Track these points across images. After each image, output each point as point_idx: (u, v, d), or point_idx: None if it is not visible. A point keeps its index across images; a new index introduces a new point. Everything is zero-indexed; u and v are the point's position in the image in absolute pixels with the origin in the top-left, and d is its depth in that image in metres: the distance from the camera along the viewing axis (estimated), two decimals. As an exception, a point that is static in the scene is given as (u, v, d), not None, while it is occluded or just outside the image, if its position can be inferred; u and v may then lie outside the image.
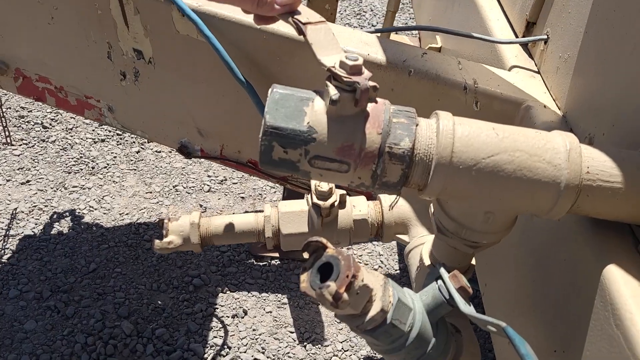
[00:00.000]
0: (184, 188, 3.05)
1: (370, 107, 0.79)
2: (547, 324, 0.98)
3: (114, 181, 3.08)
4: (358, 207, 1.14)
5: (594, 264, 0.85)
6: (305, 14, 0.89)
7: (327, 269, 0.74)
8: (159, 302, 2.46)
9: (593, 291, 0.84)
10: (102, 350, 2.24)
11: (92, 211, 2.89)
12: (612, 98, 0.97)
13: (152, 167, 3.17)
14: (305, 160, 0.79)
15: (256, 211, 1.19)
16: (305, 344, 2.35)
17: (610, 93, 0.98)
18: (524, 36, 1.40)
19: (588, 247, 0.88)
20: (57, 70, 1.64)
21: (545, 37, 1.26)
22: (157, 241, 1.13)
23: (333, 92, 0.76)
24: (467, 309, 0.76)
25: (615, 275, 0.81)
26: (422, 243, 1.07)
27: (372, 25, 4.39)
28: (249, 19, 1.33)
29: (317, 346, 2.33)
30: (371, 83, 0.78)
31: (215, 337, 2.35)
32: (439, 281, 0.81)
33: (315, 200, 1.08)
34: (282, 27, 1.30)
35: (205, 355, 2.28)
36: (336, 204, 1.09)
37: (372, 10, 5.13)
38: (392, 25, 1.97)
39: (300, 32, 0.84)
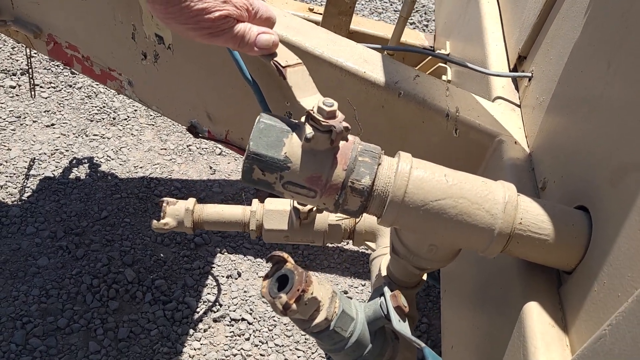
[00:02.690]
0: (197, 149, 3.20)
1: (341, 144, 0.92)
2: (481, 339, 1.13)
3: (132, 134, 3.25)
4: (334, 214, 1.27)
5: (519, 297, 0.99)
6: (283, 55, 1.00)
7: (285, 279, 0.89)
8: (161, 255, 2.66)
9: (515, 321, 0.98)
10: (105, 292, 2.45)
11: (109, 161, 3.06)
12: (566, 151, 1.08)
13: (170, 124, 3.32)
14: (279, 183, 0.92)
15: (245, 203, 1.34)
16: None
17: (566, 146, 1.09)
18: (515, 66, 1.49)
19: (518, 282, 1.02)
20: (85, 42, 1.77)
21: (530, 75, 1.36)
22: (154, 221, 1.28)
23: (308, 130, 0.89)
24: (399, 325, 0.91)
25: (532, 312, 0.95)
26: (385, 253, 1.21)
27: (396, 11, 4.40)
28: (261, 23, 1.44)
29: (301, 314, 2.52)
30: (344, 124, 0.91)
31: (209, 293, 2.55)
32: (381, 298, 0.96)
33: (296, 204, 1.22)
34: (290, 35, 1.41)
35: (198, 309, 2.48)
36: (314, 209, 1.23)
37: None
38: (403, 30, 2.05)
39: (280, 74, 0.96)
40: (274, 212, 1.27)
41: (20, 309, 2.36)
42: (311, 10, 2.55)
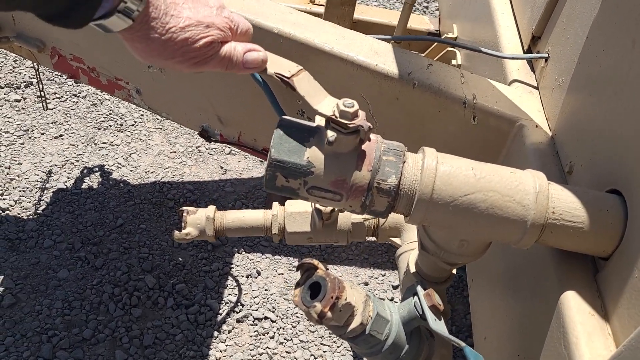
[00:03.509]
0: (206, 149, 3.19)
1: (364, 145, 0.90)
2: (516, 330, 1.11)
3: (140, 139, 3.24)
4: (357, 210, 1.26)
5: (555, 287, 0.97)
6: (281, 65, 0.97)
7: (317, 286, 0.87)
8: (180, 259, 2.66)
9: (552, 311, 0.96)
10: (127, 300, 2.45)
11: (120, 168, 3.06)
12: (592, 133, 1.06)
13: (177, 126, 3.30)
14: (304, 189, 0.91)
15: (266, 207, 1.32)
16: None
17: (592, 128, 1.06)
18: (529, 47, 1.46)
19: (553, 271, 1.00)
20: (90, 53, 1.76)
21: (546, 55, 1.33)
22: (176, 232, 1.27)
23: (330, 134, 0.87)
24: (436, 325, 0.89)
25: (570, 302, 0.93)
26: (412, 249, 1.19)
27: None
28: (267, 22, 1.42)
29: (323, 308, 2.51)
30: (368, 123, 0.89)
31: (230, 294, 2.55)
32: (415, 297, 0.94)
33: (317, 205, 1.21)
34: (298, 32, 1.38)
35: (220, 311, 2.48)
36: (336, 209, 1.22)
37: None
38: (409, 16, 2.01)
39: (288, 85, 0.93)
40: (295, 214, 1.26)
41: (45, 322, 2.36)
42: (312, 1, 2.51)
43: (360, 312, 0.88)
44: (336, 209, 1.23)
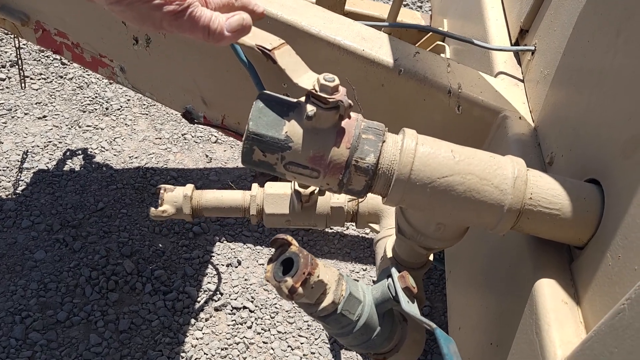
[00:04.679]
0: (192, 137, 3.16)
1: (344, 122, 0.89)
2: (491, 319, 1.10)
3: (125, 124, 3.20)
4: (336, 196, 1.25)
5: (530, 274, 0.97)
6: (263, 38, 0.95)
7: (289, 263, 0.86)
8: (160, 245, 2.63)
9: (526, 299, 0.96)
10: (104, 284, 2.42)
11: (103, 152, 3.02)
12: (573, 124, 1.06)
13: (163, 113, 3.27)
14: (281, 164, 0.89)
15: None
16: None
17: (572, 119, 1.06)
18: (517, 41, 1.45)
19: (528, 259, 0.99)
20: (74, 28, 1.73)
21: (533, 48, 1.32)
22: (152, 209, 1.25)
23: (310, 108, 0.86)
24: (408, 307, 0.88)
25: (544, 289, 0.92)
26: (390, 234, 1.19)
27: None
28: (259, 3, 1.40)
29: (303, 300, 2.50)
30: (348, 100, 0.88)
31: (209, 282, 2.52)
32: (389, 279, 0.93)
33: (297, 187, 1.19)
34: (285, 14, 1.37)
35: (199, 299, 2.45)
36: (316, 191, 1.21)
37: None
38: (399, 9, 2.00)
39: (269, 58, 0.92)
40: (274, 195, 1.24)
41: (19, 303, 2.33)
42: (304, -8, 2.49)
43: (333, 290, 0.87)
44: (316, 192, 1.22)
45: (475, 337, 1.15)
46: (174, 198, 1.24)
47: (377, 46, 1.34)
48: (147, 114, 3.27)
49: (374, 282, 2.65)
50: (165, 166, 3.00)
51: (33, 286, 2.38)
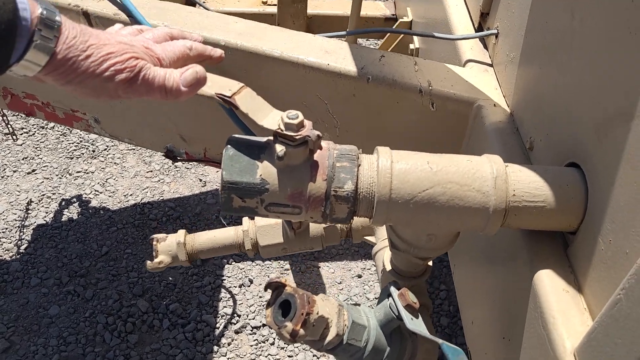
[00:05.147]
0: (183, 164, 3.16)
1: (316, 155, 0.89)
2: (498, 313, 1.11)
3: (115, 163, 3.20)
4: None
5: (528, 267, 0.97)
6: (222, 85, 0.94)
7: (287, 304, 0.86)
8: (170, 278, 2.64)
9: (527, 291, 0.96)
10: (122, 328, 2.43)
11: (98, 195, 3.02)
12: (546, 107, 1.05)
13: (150, 145, 3.27)
14: (262, 207, 0.89)
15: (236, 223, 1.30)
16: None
17: (545, 102, 1.05)
18: (480, 24, 1.44)
19: (524, 251, 0.99)
20: (41, 88, 1.72)
21: (496, 31, 1.31)
22: (149, 262, 1.25)
23: (279, 149, 0.85)
24: (412, 325, 0.89)
25: (544, 281, 0.92)
26: (386, 246, 1.18)
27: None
28: (213, 35, 1.39)
29: (319, 307, 2.51)
30: (316, 131, 0.87)
31: (225, 306, 2.53)
32: (390, 299, 0.93)
33: (286, 215, 1.19)
34: (244, 42, 1.36)
35: (217, 325, 2.46)
36: (305, 216, 1.20)
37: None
38: (360, 5, 1.98)
39: (231, 104, 0.91)
40: (266, 227, 1.24)
41: (43, 362, 2.34)
42: (265, 2, 2.48)
43: (335, 323, 0.87)
44: (305, 217, 1.22)
45: (487, 331, 1.16)
46: (168, 247, 1.24)
47: (342, 57, 1.33)
48: (134, 150, 3.27)
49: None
50: (161, 198, 3.01)
51: (53, 342, 2.39)
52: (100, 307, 2.52)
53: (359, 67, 1.31)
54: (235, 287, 2.61)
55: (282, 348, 2.40)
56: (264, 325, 2.46)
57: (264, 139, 0.92)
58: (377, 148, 0.93)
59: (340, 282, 2.64)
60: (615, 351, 0.71)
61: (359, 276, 2.66)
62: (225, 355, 2.37)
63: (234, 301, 2.55)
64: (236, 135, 0.93)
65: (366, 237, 1.29)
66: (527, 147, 1.12)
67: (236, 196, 0.88)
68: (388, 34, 2.04)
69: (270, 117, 0.89)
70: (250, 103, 0.91)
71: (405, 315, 0.90)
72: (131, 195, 3.02)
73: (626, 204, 0.78)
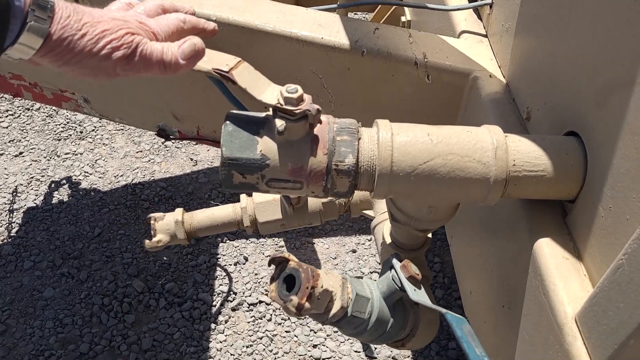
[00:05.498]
0: (173, 143, 3.13)
1: (316, 129, 0.88)
2: (497, 282, 1.12)
3: (103, 143, 3.17)
4: (326, 188, 1.24)
5: (527, 235, 0.98)
6: (219, 60, 0.93)
7: (291, 279, 0.86)
8: (165, 258, 2.64)
9: (527, 260, 0.97)
10: (118, 309, 2.44)
11: (88, 176, 2.99)
12: (543, 76, 1.05)
13: (139, 124, 3.23)
14: (262, 182, 0.89)
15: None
16: (304, 281, 2.54)
17: (542, 71, 1.05)
18: (473, -6, 1.43)
19: (524, 220, 1.00)
20: (28, 68, 1.69)
21: (490, 1, 1.30)
22: (147, 241, 1.25)
23: (279, 123, 0.85)
24: (416, 296, 0.89)
25: (544, 249, 0.93)
26: (385, 219, 1.19)
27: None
28: (203, 10, 1.37)
29: (315, 283, 2.52)
30: (316, 106, 0.87)
31: (220, 285, 2.54)
32: (392, 270, 0.94)
33: (284, 191, 1.19)
34: (237, 16, 1.34)
35: (214, 303, 2.48)
36: (304, 192, 1.20)
37: None
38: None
39: (229, 80, 0.90)
40: (264, 203, 1.24)
41: (39, 344, 2.34)
42: (252, -23, 2.43)
43: (339, 295, 0.88)
44: (304, 192, 1.22)
45: (486, 300, 1.17)
46: (166, 226, 1.24)
47: (335, 31, 1.32)
48: (122, 129, 3.23)
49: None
50: (152, 178, 2.99)
51: (49, 325, 2.39)
52: (95, 288, 2.52)
53: (353, 40, 1.30)
54: (231, 265, 2.61)
55: (279, 324, 2.42)
56: (260, 302, 2.48)
57: (263, 115, 0.91)
58: (376, 121, 0.93)
59: (335, 258, 2.65)
60: (617, 315, 0.73)
61: (354, 251, 2.68)
62: (222, 333, 2.39)
63: (230, 279, 2.56)
64: (234, 111, 0.92)
65: (365, 211, 1.29)
66: (524, 117, 1.12)
67: (236, 172, 0.87)
68: (379, 6, 2.02)
69: (268, 92, 0.88)
70: (248, 78, 0.89)
71: (409, 287, 0.90)
72: (122, 176, 3.00)
73: (626, 171, 0.79)
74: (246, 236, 2.72)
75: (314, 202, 1.25)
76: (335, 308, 0.87)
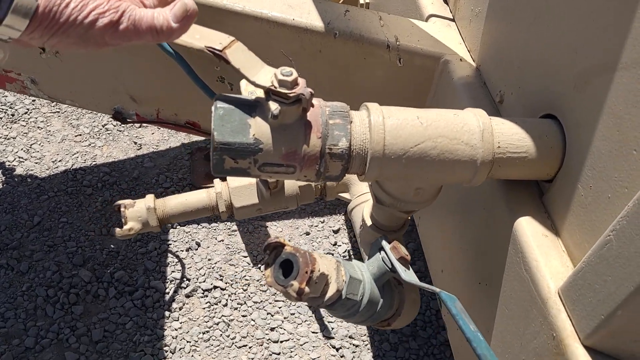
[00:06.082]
0: (114, 126, 3.00)
1: (309, 112, 0.87)
2: (473, 260, 1.16)
3: (38, 127, 2.99)
4: (301, 172, 1.23)
5: (506, 214, 1.02)
6: (212, 38, 0.91)
7: (288, 264, 0.86)
8: (112, 245, 2.54)
9: (507, 238, 1.01)
10: (65, 300, 2.33)
11: (23, 162, 2.82)
12: (518, 60, 1.08)
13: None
14: (254, 167, 0.87)
15: (207, 186, 1.27)
16: (259, 265, 2.53)
17: (516, 56, 1.09)
18: (439, -21, 1.45)
19: (502, 200, 1.04)
20: (-33, 47, 1.56)
21: (458, -14, 1.33)
22: (117, 229, 1.19)
23: (274, 107, 0.83)
24: (407, 276, 0.91)
25: (524, 227, 0.97)
26: (364, 201, 1.20)
27: None
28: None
29: (270, 266, 2.52)
30: (309, 90, 0.86)
31: (173, 271, 2.48)
32: (382, 252, 0.95)
33: (262, 175, 1.17)
34: (204, -5, 1.29)
35: (167, 290, 2.42)
36: (281, 175, 1.19)
37: None
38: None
39: (221, 58, 0.88)
40: (240, 188, 1.22)
41: (-21, 341, 2.21)
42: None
43: (335, 279, 0.88)
44: (281, 176, 1.20)
45: (460, 278, 1.21)
46: (137, 213, 1.19)
47: (306, 12, 1.30)
48: (58, 112, 3.06)
49: (334, 232, 2.69)
50: (94, 163, 2.85)
51: (-11, 320, 2.26)
52: (38, 279, 2.39)
53: (325, 22, 1.29)
54: (183, 251, 2.55)
55: (236, 309, 2.40)
56: (215, 287, 2.45)
57: (253, 97, 0.89)
58: (365, 104, 0.93)
59: (289, 240, 2.65)
60: (604, 288, 0.77)
61: (307, 233, 2.69)
62: (177, 320, 2.34)
63: (183, 265, 2.51)
64: (223, 94, 0.89)
65: (340, 194, 1.30)
66: (497, 101, 1.16)
67: (228, 157, 0.85)
68: (336, -12, 2.01)
69: (262, 74, 0.86)
70: (242, 58, 0.87)
71: (400, 267, 0.92)
72: (60, 161, 2.84)
73: (608, 152, 0.83)
74: (197, 221, 2.66)
75: (290, 186, 1.24)
76: (331, 291, 0.87)
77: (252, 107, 0.86)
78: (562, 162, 0.95)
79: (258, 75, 0.86)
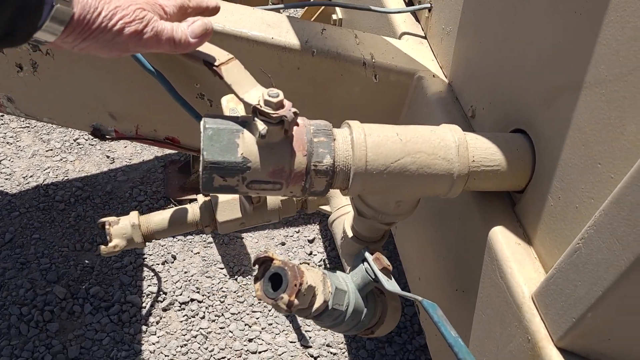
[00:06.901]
0: (86, 140, 2.98)
1: (294, 130, 0.91)
2: (450, 268, 1.21)
3: (7, 142, 2.94)
4: (282, 186, 1.27)
5: (481, 224, 1.07)
6: (211, 53, 0.96)
7: (276, 277, 0.89)
8: (86, 261, 2.52)
9: (482, 247, 1.06)
10: (39, 317, 2.30)
11: (-8, 178, 2.78)
12: (489, 77, 1.14)
13: (47, 121, 3.04)
14: (243, 184, 0.90)
15: (190, 200, 1.29)
16: (236, 277, 2.55)
17: (488, 73, 1.15)
18: (410, -3, 1.51)
19: (477, 212, 1.09)
20: (-60, 65, 1.55)
21: (429, 5, 1.39)
22: (102, 247, 1.20)
23: (261, 127, 0.86)
24: (390, 286, 0.95)
25: (498, 236, 1.03)
26: (344, 213, 1.24)
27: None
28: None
29: (247, 277, 2.53)
30: (294, 110, 0.89)
31: (149, 285, 2.48)
32: (365, 263, 0.99)
33: (246, 190, 1.20)
34: (184, 15, 1.32)
35: (144, 304, 2.41)
36: (264, 190, 1.22)
37: None
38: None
39: (216, 74, 0.91)
40: (223, 203, 1.24)
41: (-50, 363, 2.16)
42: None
43: (321, 290, 0.92)
44: (264, 190, 1.23)
45: (437, 285, 1.26)
46: (121, 230, 1.20)
47: (285, 31, 1.34)
48: (28, 127, 3.02)
49: (309, 241, 2.72)
50: (66, 178, 2.83)
51: (-40, 341, 2.21)
52: (10, 297, 2.36)
53: (303, 40, 1.33)
54: (159, 264, 2.55)
55: (213, 321, 2.41)
56: (192, 300, 2.45)
57: (239, 116, 0.92)
58: (347, 122, 0.97)
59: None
60: (575, 292, 0.83)
61: (283, 244, 2.71)
62: (154, 334, 2.34)
63: (159, 279, 2.50)
64: (210, 114, 0.92)
65: (321, 207, 1.34)
66: (469, 115, 1.22)
67: (217, 176, 0.88)
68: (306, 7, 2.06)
69: (252, 92, 0.89)
70: (236, 75, 0.91)
71: (382, 278, 0.96)
72: (31, 176, 2.81)
73: (574, 165, 0.89)
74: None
75: (272, 200, 1.27)
76: (318, 302, 0.91)
77: (239, 127, 0.89)
78: (533, 174, 1.01)
79: (248, 93, 0.89)
